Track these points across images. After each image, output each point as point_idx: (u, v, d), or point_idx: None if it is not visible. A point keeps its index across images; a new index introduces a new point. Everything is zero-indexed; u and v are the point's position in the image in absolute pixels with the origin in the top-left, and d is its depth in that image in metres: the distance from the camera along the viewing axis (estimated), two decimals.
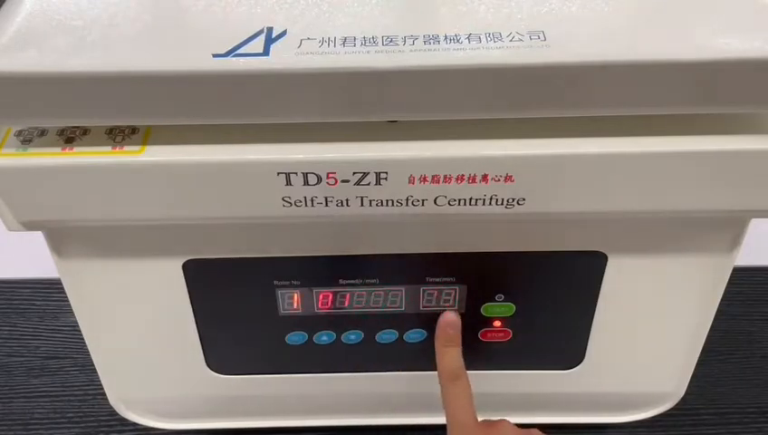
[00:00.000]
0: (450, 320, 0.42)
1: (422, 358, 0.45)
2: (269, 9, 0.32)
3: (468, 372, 0.46)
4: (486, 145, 0.32)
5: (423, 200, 0.34)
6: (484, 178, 0.33)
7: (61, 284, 0.40)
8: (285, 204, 0.34)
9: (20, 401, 0.56)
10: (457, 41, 0.30)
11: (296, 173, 0.32)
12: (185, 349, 0.44)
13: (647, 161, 0.32)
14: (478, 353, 0.45)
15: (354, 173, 0.33)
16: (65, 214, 0.34)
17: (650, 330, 0.44)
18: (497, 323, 0.43)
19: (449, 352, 0.41)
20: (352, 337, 0.44)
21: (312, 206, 0.34)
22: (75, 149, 0.32)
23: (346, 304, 0.42)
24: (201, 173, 0.33)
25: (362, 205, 0.34)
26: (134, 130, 0.33)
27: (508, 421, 0.40)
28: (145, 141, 0.33)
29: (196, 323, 0.43)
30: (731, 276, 0.41)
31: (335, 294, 0.42)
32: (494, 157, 0.32)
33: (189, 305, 0.42)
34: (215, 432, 0.51)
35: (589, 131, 0.32)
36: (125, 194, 0.33)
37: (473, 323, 0.43)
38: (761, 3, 0.32)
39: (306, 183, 0.33)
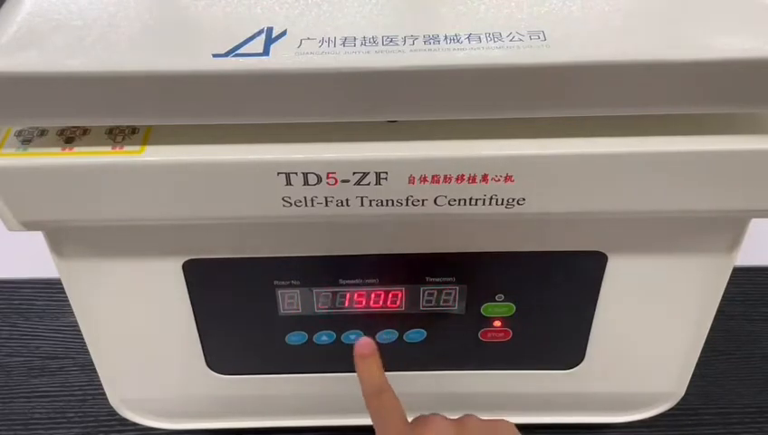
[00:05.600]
0: (363, 341, 0.41)
1: (422, 358, 0.45)
2: (269, 9, 0.32)
3: (468, 372, 0.46)
4: (486, 145, 0.32)
5: (423, 200, 0.34)
6: (484, 178, 0.33)
7: (61, 284, 0.40)
8: (285, 204, 0.34)
9: (20, 401, 0.56)
10: (457, 41, 0.30)
11: (296, 173, 0.32)
12: (185, 349, 0.44)
13: (647, 161, 0.32)
14: (478, 353, 0.45)
15: (354, 173, 0.33)
16: (65, 214, 0.34)
17: (650, 330, 0.44)
18: (497, 323, 0.43)
19: (367, 369, 0.41)
20: (352, 337, 0.44)
21: (312, 206, 0.34)
22: (75, 149, 0.32)
23: (346, 304, 0.42)
24: (201, 173, 0.33)
25: (362, 205, 0.34)
26: (134, 130, 0.33)
27: (439, 415, 0.40)
28: (145, 141, 0.33)
29: (196, 323, 0.43)
30: (731, 276, 0.41)
31: (335, 294, 0.42)
32: (494, 157, 0.32)
33: (189, 305, 0.42)
34: (215, 432, 0.51)
35: (589, 131, 0.32)
36: (125, 194, 0.33)
37: (473, 323, 0.43)
38: (761, 3, 0.32)
39: (306, 183, 0.33)
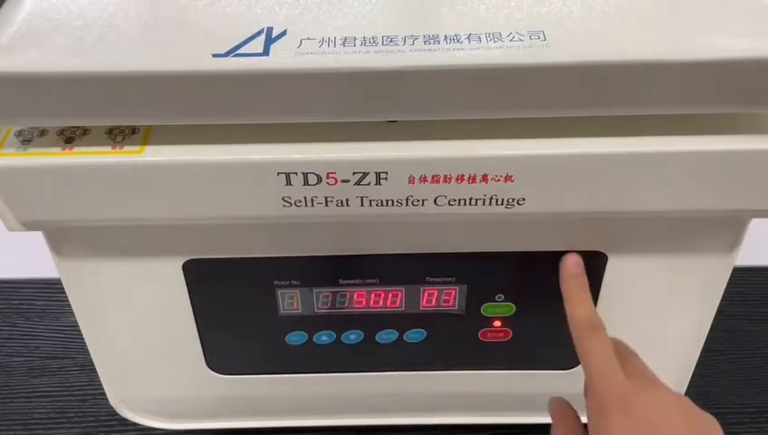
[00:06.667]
0: (576, 260, 0.37)
1: (422, 358, 0.45)
2: (269, 9, 0.32)
3: (468, 372, 0.46)
4: (486, 145, 0.32)
5: (423, 200, 0.34)
6: (484, 178, 0.33)
7: (61, 284, 0.40)
8: (285, 204, 0.34)
9: (20, 401, 0.56)
10: (457, 41, 0.30)
11: (296, 173, 0.32)
12: (185, 349, 0.44)
13: (647, 161, 0.32)
14: (478, 353, 0.45)
15: (354, 173, 0.33)
16: (65, 214, 0.34)
17: (650, 330, 0.44)
18: (497, 323, 0.43)
19: (580, 297, 0.36)
20: (352, 337, 0.44)
21: (312, 206, 0.34)
22: (75, 149, 0.32)
23: (346, 304, 0.42)
24: (201, 173, 0.33)
25: (362, 205, 0.34)
26: (134, 130, 0.33)
27: (665, 387, 0.34)
28: (145, 141, 0.33)
29: (196, 323, 0.43)
30: (731, 276, 0.41)
31: (335, 294, 0.42)
32: (494, 157, 0.32)
33: (189, 305, 0.42)
34: (215, 432, 0.51)
35: (589, 131, 0.32)
36: (125, 194, 0.33)
37: (473, 323, 0.43)
38: (761, 3, 0.32)
39: (306, 183, 0.33)
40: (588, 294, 0.36)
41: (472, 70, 0.29)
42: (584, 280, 0.37)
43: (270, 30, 0.31)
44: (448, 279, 0.41)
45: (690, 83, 0.30)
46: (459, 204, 0.34)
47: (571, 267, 0.37)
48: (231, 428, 0.50)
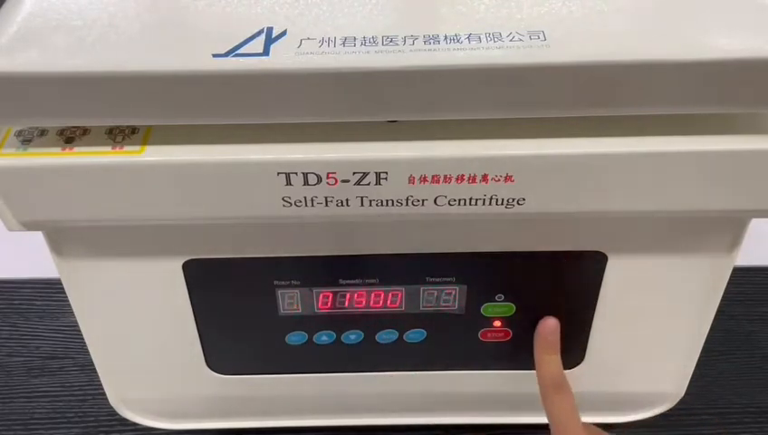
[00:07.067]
0: (551, 327, 0.41)
1: (422, 358, 0.45)
2: (269, 9, 0.32)
3: (468, 372, 0.46)
4: (486, 145, 0.32)
5: (423, 200, 0.34)
6: (484, 178, 0.33)
7: (61, 284, 0.40)
8: (285, 204, 0.34)
9: (20, 401, 0.56)
10: (457, 41, 0.30)
11: (296, 173, 0.32)
12: (185, 349, 0.44)
13: (647, 161, 0.32)
14: (478, 353, 0.45)
15: (354, 173, 0.33)
16: (65, 214, 0.34)
17: (650, 330, 0.44)
18: (497, 323, 0.43)
19: (550, 359, 0.41)
20: (352, 337, 0.44)
21: (312, 206, 0.34)
22: (75, 149, 0.32)
23: (346, 304, 0.42)
24: (201, 173, 0.33)
25: (362, 205, 0.34)
26: (134, 130, 0.33)
27: None
28: (145, 141, 0.33)
29: (196, 323, 0.43)
30: (731, 276, 0.41)
31: (335, 294, 0.42)
32: (494, 157, 0.32)
33: (189, 305, 0.42)
34: (215, 432, 0.51)
35: (589, 131, 0.32)
36: (125, 194, 0.33)
37: (473, 323, 0.43)
38: (761, 3, 0.32)
39: (306, 183, 0.33)
40: (557, 356, 0.41)
41: (472, 70, 0.29)
42: (556, 344, 0.41)
43: (270, 30, 0.31)
44: (448, 279, 0.41)
45: (690, 83, 0.30)
46: (459, 204, 0.34)
47: (546, 333, 0.41)
48: (231, 428, 0.50)
